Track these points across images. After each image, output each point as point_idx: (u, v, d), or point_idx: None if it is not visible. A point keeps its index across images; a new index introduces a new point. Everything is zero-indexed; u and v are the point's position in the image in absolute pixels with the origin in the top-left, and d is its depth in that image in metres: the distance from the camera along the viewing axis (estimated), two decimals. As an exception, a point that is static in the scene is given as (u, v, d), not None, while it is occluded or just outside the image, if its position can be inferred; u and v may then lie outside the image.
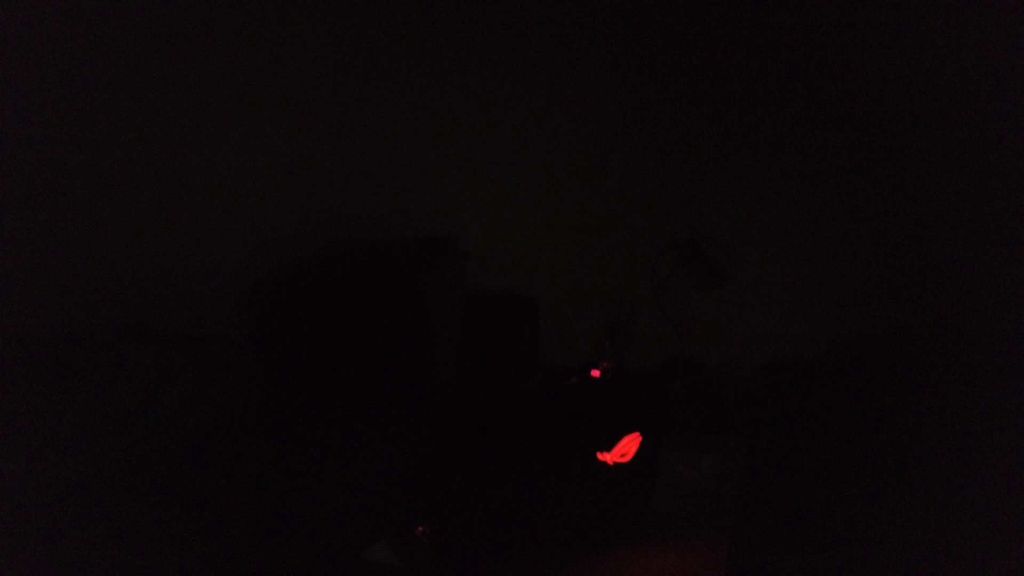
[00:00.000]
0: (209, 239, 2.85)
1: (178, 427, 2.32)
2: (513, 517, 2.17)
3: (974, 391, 2.81)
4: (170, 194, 2.71)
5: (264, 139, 3.11)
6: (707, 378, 3.21)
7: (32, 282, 2.29)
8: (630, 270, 3.28)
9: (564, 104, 3.30)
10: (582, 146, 3.32)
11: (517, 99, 3.34)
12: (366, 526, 2.15)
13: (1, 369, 2.08)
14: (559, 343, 3.38)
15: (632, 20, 3.19)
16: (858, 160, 3.07)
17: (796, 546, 2.41)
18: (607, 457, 2.23)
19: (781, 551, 2.40)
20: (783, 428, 2.91)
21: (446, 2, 3.31)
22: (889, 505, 2.54)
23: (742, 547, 2.30)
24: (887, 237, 3.09)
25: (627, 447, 2.25)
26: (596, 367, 3.18)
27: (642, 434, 2.25)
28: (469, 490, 2.17)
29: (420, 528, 2.17)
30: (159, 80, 2.67)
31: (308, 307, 2.76)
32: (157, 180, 2.67)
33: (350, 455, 2.34)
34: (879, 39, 2.99)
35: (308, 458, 2.31)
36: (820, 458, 2.71)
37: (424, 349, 2.85)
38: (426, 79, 3.38)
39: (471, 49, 3.33)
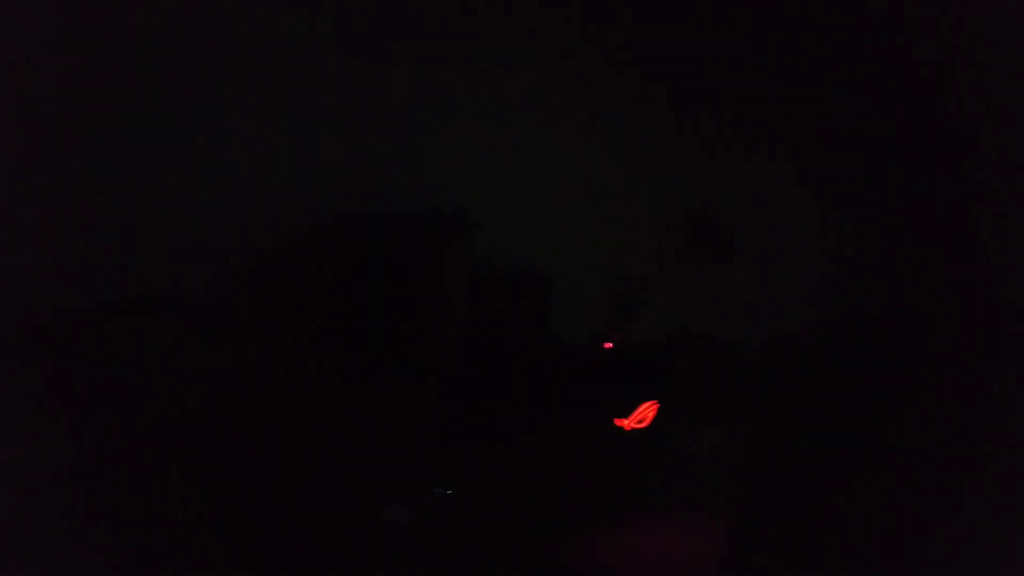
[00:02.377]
0: (215, 212, 2.84)
1: (188, 396, 2.32)
2: (523, 486, 2.18)
3: (982, 371, 2.83)
4: (176, 168, 2.70)
5: (268, 109, 3.09)
6: (713, 353, 3.21)
7: (38, 259, 2.28)
8: (640, 244, 3.28)
9: (575, 79, 3.29)
10: (593, 119, 3.31)
11: (527, 72, 3.32)
12: (380, 490, 2.16)
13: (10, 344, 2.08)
14: (568, 316, 3.38)
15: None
16: (870, 139, 3.07)
17: (798, 521, 2.42)
18: (625, 423, 2.25)
19: (783, 526, 2.41)
20: (788, 404, 2.92)
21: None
22: (893, 484, 2.55)
23: (744, 522, 2.31)
24: (898, 216, 3.09)
25: (644, 414, 2.27)
26: (607, 340, 3.19)
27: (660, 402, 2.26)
28: (481, 459, 2.18)
29: (435, 491, 2.18)
30: (175, 48, 2.65)
31: (314, 279, 2.75)
32: (165, 151, 2.66)
33: (359, 423, 2.34)
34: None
35: (318, 428, 2.31)
36: (824, 435, 2.72)
37: (429, 319, 2.86)
38: (434, 48, 3.35)
39: (480, 17, 3.30)
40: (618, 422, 2.26)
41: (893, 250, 3.13)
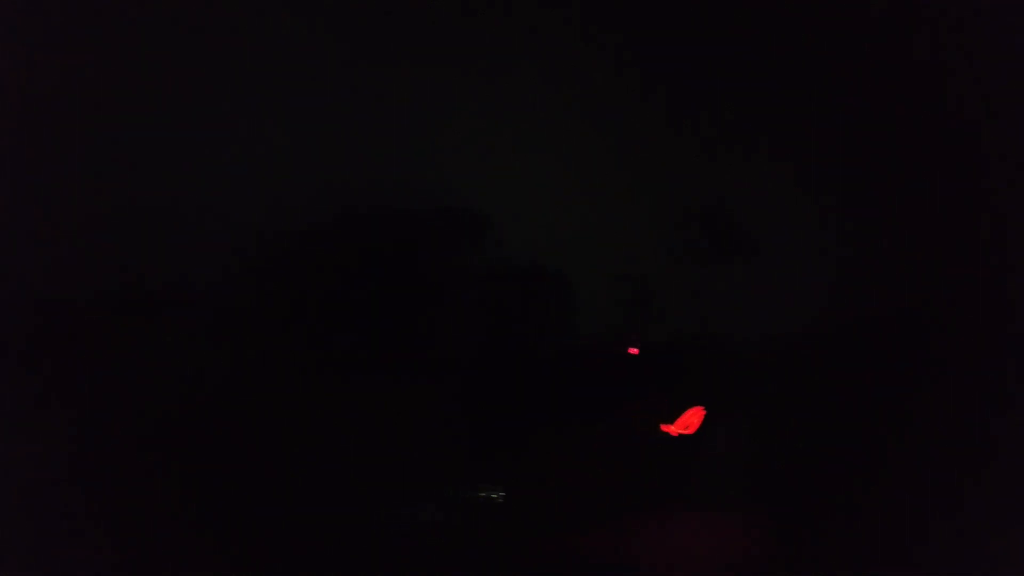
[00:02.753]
0: (227, 210, 2.84)
1: (199, 391, 2.32)
2: (553, 484, 2.18)
3: (982, 371, 2.83)
4: (186, 167, 2.70)
5: (281, 108, 3.09)
6: (720, 352, 3.21)
7: (49, 251, 2.28)
8: (650, 245, 3.28)
9: (588, 81, 3.29)
10: (606, 121, 3.31)
11: (540, 74, 3.32)
12: (410, 488, 2.17)
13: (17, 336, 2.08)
14: (581, 316, 3.37)
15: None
16: (873, 140, 3.07)
17: (800, 520, 2.42)
18: (671, 429, 2.25)
19: (785, 525, 2.42)
20: (793, 402, 2.92)
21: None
22: (894, 483, 2.56)
23: (749, 519, 2.31)
24: (906, 221, 3.10)
25: (690, 420, 2.27)
26: (629, 344, 3.18)
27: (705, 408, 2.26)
28: (483, 461, 2.18)
29: (480, 494, 2.19)
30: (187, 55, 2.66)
31: (327, 276, 2.75)
32: (174, 151, 2.66)
33: (379, 423, 2.35)
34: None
35: (329, 428, 2.31)
36: (831, 435, 2.72)
37: (440, 318, 2.86)
38: (447, 48, 3.35)
39: (493, 18, 3.30)
40: (664, 427, 2.26)
41: (903, 253, 3.13)
